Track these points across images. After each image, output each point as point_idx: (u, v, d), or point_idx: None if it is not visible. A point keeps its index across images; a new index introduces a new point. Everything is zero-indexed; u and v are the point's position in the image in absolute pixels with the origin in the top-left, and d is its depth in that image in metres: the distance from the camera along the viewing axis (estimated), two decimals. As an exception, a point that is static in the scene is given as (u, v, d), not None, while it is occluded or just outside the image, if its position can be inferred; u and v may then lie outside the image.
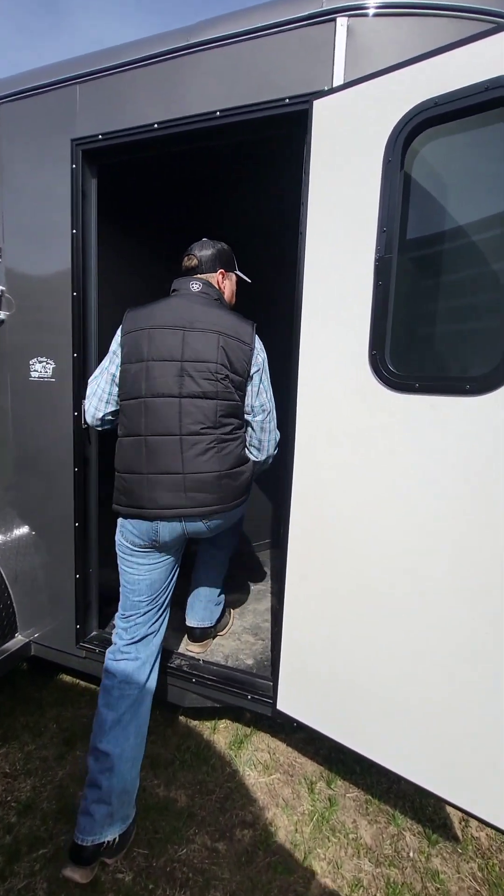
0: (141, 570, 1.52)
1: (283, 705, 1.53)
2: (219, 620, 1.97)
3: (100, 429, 1.61)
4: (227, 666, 1.79)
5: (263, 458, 1.58)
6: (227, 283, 1.63)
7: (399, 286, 1.19)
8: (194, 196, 2.54)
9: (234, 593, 2.38)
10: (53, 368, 1.76)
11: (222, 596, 2.01)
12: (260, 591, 2.48)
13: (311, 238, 1.32)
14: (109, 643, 1.65)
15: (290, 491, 1.42)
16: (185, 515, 1.41)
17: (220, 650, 1.93)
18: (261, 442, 1.55)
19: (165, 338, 1.41)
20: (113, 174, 1.81)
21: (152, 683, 1.55)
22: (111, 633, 1.60)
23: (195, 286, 1.52)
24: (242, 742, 1.95)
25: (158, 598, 1.56)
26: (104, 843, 1.35)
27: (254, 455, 1.57)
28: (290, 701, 1.51)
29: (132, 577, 1.54)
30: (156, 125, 1.50)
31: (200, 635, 1.89)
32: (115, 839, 1.38)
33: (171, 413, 1.39)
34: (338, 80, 1.26)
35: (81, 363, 1.72)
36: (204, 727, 2.04)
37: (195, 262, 1.57)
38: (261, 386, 1.49)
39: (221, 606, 1.98)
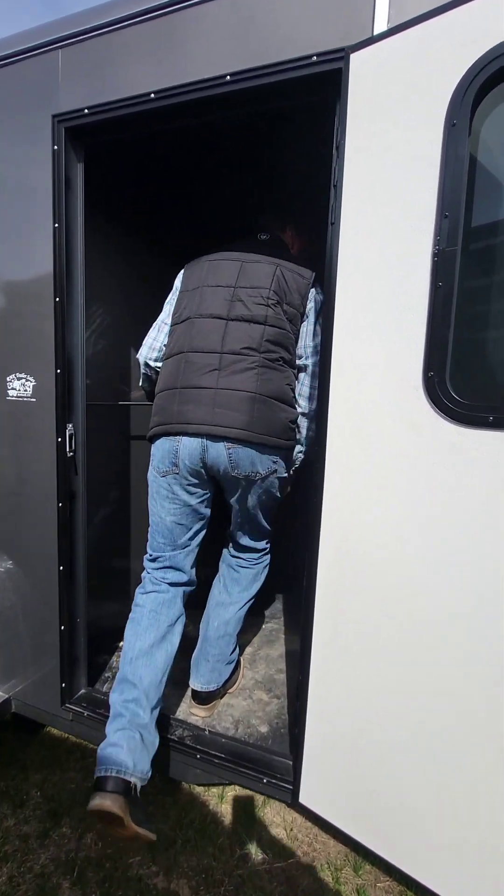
0: (162, 510, 1.49)
1: (307, 798, 1.26)
2: (227, 680, 1.70)
3: (149, 379, 1.67)
4: (237, 739, 1.52)
5: (313, 407, 1.44)
6: (295, 242, 1.65)
7: (465, 288, 0.92)
8: (200, 183, 2.26)
9: (242, 634, 2.11)
10: (34, 386, 1.50)
11: (235, 654, 1.71)
12: (272, 633, 2.20)
13: (346, 229, 1.05)
14: (101, 704, 1.41)
15: (317, 540, 1.15)
16: (208, 434, 1.33)
17: (228, 712, 1.66)
18: (312, 390, 1.44)
19: (222, 267, 1.45)
20: (103, 158, 1.55)
21: (182, 613, 1.53)
22: (103, 693, 1.39)
23: (263, 235, 1.59)
24: (254, 815, 1.67)
25: (184, 544, 1.53)
26: (130, 783, 1.19)
27: (301, 406, 1.45)
28: (317, 793, 1.24)
29: (155, 516, 1.52)
30: (152, 95, 1.23)
31: (206, 698, 1.62)
32: (136, 785, 1.21)
33: (216, 332, 1.38)
34: (380, 27, 0.99)
35: (66, 380, 1.45)
36: (210, 795, 1.77)
37: (263, 222, 1.63)
38: (316, 327, 1.43)
39: (233, 666, 1.70)
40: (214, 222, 2.21)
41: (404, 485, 1.00)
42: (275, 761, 1.41)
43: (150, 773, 1.29)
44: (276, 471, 1.43)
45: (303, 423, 1.48)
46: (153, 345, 1.58)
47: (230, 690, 1.74)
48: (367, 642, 1.10)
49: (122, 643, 2.04)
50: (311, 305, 1.44)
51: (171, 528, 1.49)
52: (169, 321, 1.54)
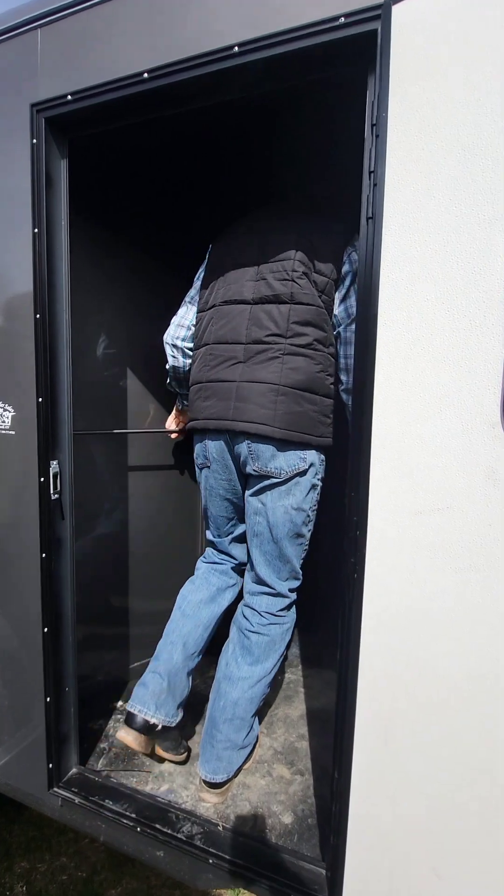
0: (205, 499, 1.50)
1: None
2: (241, 765, 1.41)
3: (178, 362, 1.54)
4: (256, 837, 1.26)
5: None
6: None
7: None
8: (203, 181, 2.07)
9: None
10: (12, 417, 1.29)
11: (251, 737, 1.39)
12: (290, 687, 1.95)
13: (391, 226, 0.84)
14: (95, 788, 1.30)
15: (358, 616, 0.92)
16: (228, 429, 1.28)
17: (244, 795, 1.40)
18: (347, 360, 1.28)
19: (243, 243, 1.35)
20: (91, 153, 1.36)
21: (236, 583, 1.56)
22: (99, 772, 1.33)
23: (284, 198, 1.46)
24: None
25: (227, 531, 1.53)
26: (153, 723, 1.36)
27: (344, 381, 1.31)
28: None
29: (203, 504, 1.52)
30: (146, 74, 1.04)
31: (216, 784, 1.36)
32: (159, 725, 1.37)
33: (241, 320, 1.29)
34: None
35: (49, 410, 1.24)
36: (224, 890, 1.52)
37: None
38: (351, 289, 1.25)
39: (248, 751, 1.42)
40: (221, 224, 2.01)
41: (482, 562, 0.77)
42: (304, 870, 1.15)
43: (176, 716, 1.41)
44: (305, 471, 1.28)
45: (350, 400, 1.29)
46: (181, 322, 1.49)
47: (246, 766, 1.48)
48: (435, 760, 0.86)
49: (120, 703, 1.81)
50: (346, 268, 1.26)
51: (214, 518, 1.51)
52: (197, 298, 1.47)
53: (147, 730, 1.36)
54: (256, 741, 1.53)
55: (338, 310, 1.27)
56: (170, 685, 1.38)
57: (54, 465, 1.27)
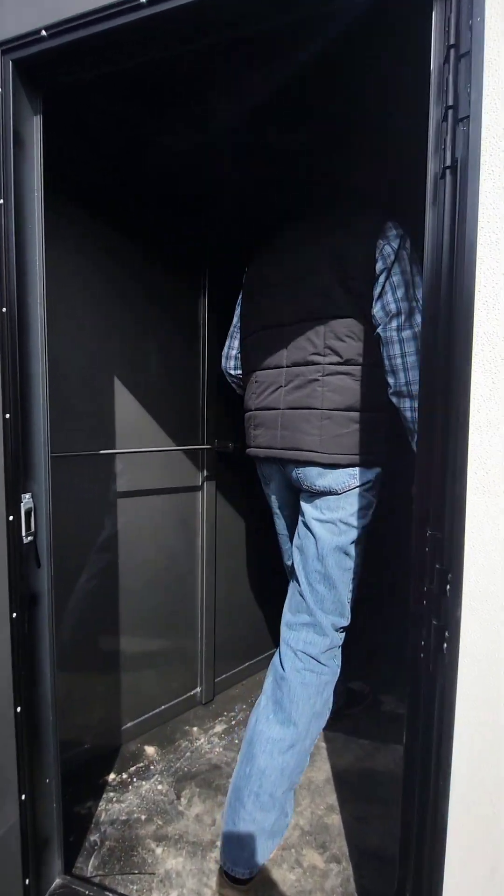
0: (273, 520, 1.52)
1: None
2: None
3: (239, 391, 1.56)
4: None
5: (402, 382, 1.14)
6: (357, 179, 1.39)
7: None
8: (217, 142, 1.83)
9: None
10: (-27, 439, 1.01)
11: (284, 821, 1.17)
12: (310, 739, 1.69)
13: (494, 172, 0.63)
14: None
15: (450, 707, 0.68)
16: (277, 458, 1.30)
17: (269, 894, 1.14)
18: (391, 360, 1.14)
19: (271, 261, 1.33)
20: (73, 107, 1.11)
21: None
22: (90, 881, 1.05)
23: (318, 191, 1.36)
24: None
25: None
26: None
27: (391, 384, 1.17)
28: None
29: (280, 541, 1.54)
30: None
31: (238, 882, 1.10)
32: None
33: (279, 344, 1.28)
34: None
35: (19, 429, 0.97)
36: None
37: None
38: (386, 284, 1.14)
39: (279, 839, 1.17)
40: (238, 201, 1.79)
41: None
42: None
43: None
44: (355, 487, 1.21)
45: (401, 403, 1.16)
46: (227, 353, 1.53)
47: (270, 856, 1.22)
48: None
49: (112, 776, 1.51)
50: (380, 265, 1.15)
51: (281, 540, 1.53)
52: (239, 326, 1.47)
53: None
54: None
55: (375, 309, 1.16)
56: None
57: (27, 500, 1.00)
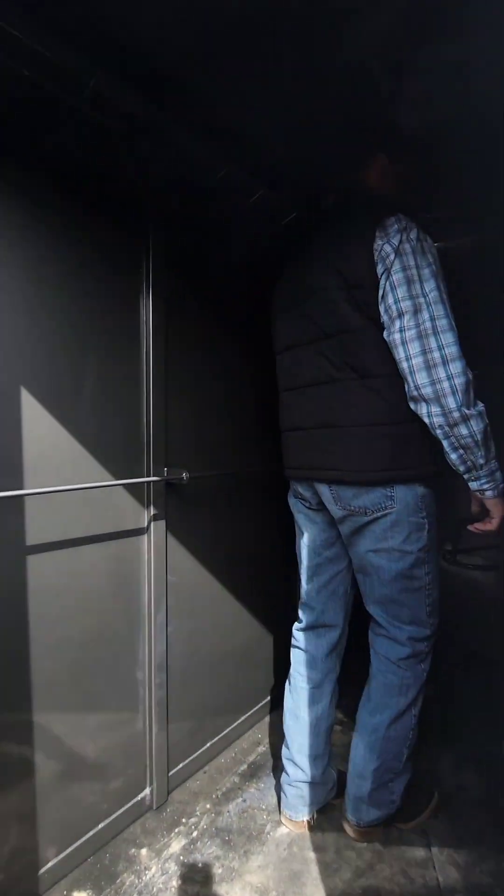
0: (297, 533, 1.49)
1: None
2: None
3: None
4: None
5: (412, 387, 1.08)
6: (389, 176, 1.32)
7: None
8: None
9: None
10: None
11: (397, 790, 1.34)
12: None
13: None
14: None
15: None
16: (308, 478, 1.31)
17: None
18: (400, 365, 1.09)
19: (289, 278, 1.34)
20: None
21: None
22: None
23: (327, 200, 1.39)
24: None
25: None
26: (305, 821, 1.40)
27: (409, 386, 1.09)
28: None
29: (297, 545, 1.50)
30: None
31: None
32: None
33: (298, 363, 1.29)
34: None
35: None
36: None
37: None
38: (387, 285, 1.09)
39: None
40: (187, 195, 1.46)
41: None
42: None
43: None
44: (391, 510, 1.17)
45: (419, 409, 1.10)
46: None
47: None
48: None
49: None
50: (380, 267, 1.10)
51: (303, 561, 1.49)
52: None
53: (305, 824, 1.40)
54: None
55: (381, 314, 1.12)
56: (310, 789, 1.40)
57: None
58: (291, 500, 1.48)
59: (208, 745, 1.66)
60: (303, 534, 1.44)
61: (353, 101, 1.31)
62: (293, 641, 1.49)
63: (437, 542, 1.26)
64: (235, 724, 1.78)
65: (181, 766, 1.56)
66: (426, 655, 1.30)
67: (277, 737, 1.80)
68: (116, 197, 1.29)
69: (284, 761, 1.44)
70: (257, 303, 1.77)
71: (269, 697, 1.96)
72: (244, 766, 1.66)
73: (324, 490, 1.27)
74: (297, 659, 1.46)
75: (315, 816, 1.41)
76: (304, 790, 1.39)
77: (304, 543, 1.44)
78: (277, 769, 1.63)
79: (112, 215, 1.29)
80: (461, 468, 1.10)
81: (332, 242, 1.21)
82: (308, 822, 1.39)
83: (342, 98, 1.30)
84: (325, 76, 1.21)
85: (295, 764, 1.40)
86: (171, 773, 1.52)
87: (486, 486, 1.10)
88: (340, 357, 1.17)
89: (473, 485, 1.12)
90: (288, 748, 1.43)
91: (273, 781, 1.59)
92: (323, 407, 1.22)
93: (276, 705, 1.98)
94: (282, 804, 1.43)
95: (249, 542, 1.82)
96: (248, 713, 1.84)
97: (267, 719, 1.91)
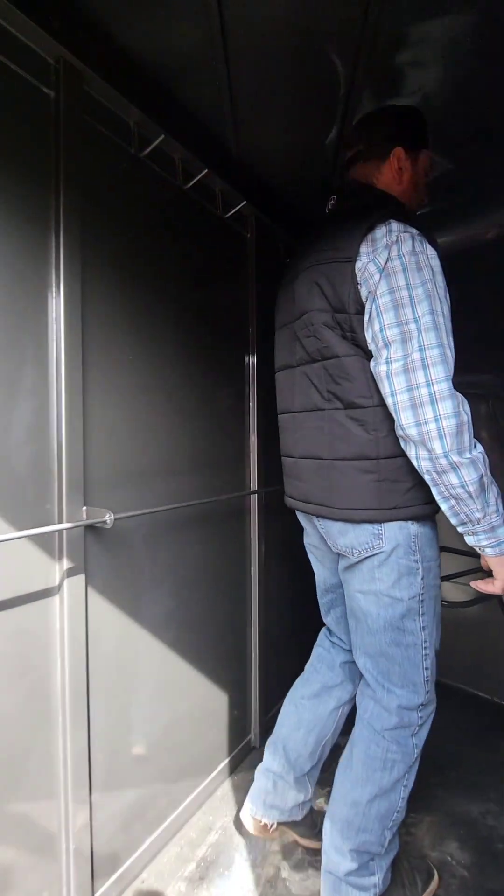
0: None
1: None
2: None
3: None
4: None
5: (399, 426, 0.94)
6: (405, 171, 1.15)
7: None
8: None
9: None
10: None
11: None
12: None
13: None
14: None
15: None
16: (299, 509, 1.25)
17: None
18: (386, 400, 0.96)
19: (284, 295, 1.23)
20: None
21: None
22: None
23: (330, 202, 1.21)
24: None
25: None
26: (263, 823, 1.33)
27: (400, 426, 0.95)
28: None
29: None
30: None
31: None
32: (271, 826, 1.34)
33: (290, 387, 1.21)
34: None
35: None
36: None
37: (352, 147, 1.19)
38: (373, 310, 0.96)
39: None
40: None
41: None
42: None
43: (293, 815, 1.33)
44: (385, 550, 1.05)
45: (407, 449, 0.97)
46: None
47: None
48: None
49: None
50: (364, 290, 0.98)
51: (317, 587, 1.41)
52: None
53: (261, 828, 1.32)
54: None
55: (366, 340, 1.00)
56: (275, 787, 1.31)
57: None
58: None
59: (146, 844, 1.34)
60: (313, 567, 1.39)
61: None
62: (318, 640, 1.47)
63: (434, 590, 1.11)
64: (181, 807, 1.46)
65: (111, 881, 1.23)
66: (419, 728, 1.13)
67: (233, 812, 1.52)
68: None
69: (266, 747, 1.38)
70: (207, 304, 1.49)
71: (226, 760, 1.67)
72: (191, 867, 1.35)
73: (315, 523, 1.21)
74: (317, 655, 1.43)
75: (276, 827, 1.33)
76: (273, 785, 1.31)
77: (316, 578, 1.39)
78: (234, 864, 1.34)
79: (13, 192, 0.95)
80: (454, 520, 0.97)
81: (319, 255, 1.08)
82: (266, 827, 1.31)
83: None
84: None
85: (275, 751, 1.34)
86: (99, 893, 1.19)
87: (484, 544, 0.96)
88: (325, 385, 1.08)
89: (470, 540, 0.98)
90: (275, 735, 1.37)
91: (229, 882, 1.29)
92: (309, 437, 1.14)
93: (236, 766, 1.70)
94: (248, 794, 1.37)
95: (202, 587, 1.52)
96: (199, 788, 1.54)
97: (219, 792, 1.61)
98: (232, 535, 1.69)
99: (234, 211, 1.62)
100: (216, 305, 1.61)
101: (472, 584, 1.04)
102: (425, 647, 1.09)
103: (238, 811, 1.51)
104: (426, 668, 1.09)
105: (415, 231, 0.97)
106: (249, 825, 1.33)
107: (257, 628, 1.78)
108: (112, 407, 1.21)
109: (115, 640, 1.23)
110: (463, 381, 2.02)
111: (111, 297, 1.20)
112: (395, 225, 0.96)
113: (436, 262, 0.96)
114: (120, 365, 1.23)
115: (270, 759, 1.35)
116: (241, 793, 1.58)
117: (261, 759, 1.40)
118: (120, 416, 1.23)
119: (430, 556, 1.09)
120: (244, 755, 1.76)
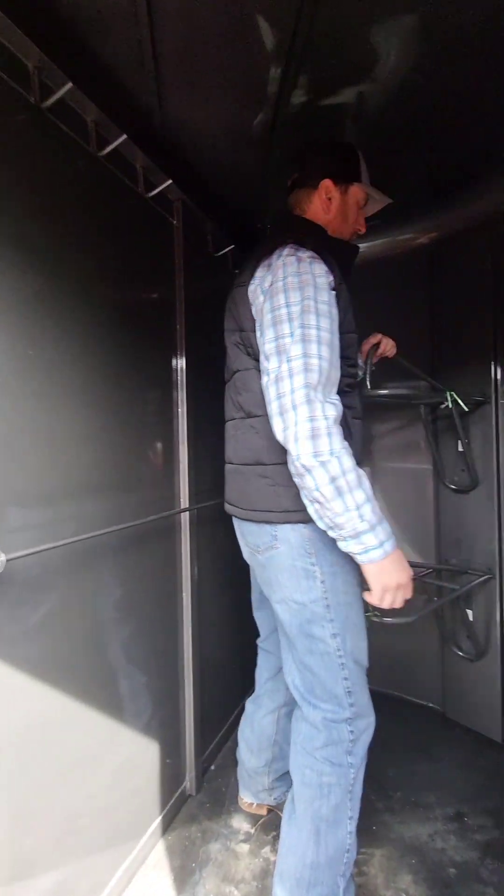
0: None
1: None
2: None
3: None
4: None
5: (283, 427, 0.97)
6: (333, 201, 1.24)
7: None
8: None
9: None
10: None
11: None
12: None
13: None
14: None
15: None
16: (227, 511, 1.31)
17: None
18: (270, 415, 1.01)
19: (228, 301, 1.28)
20: None
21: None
22: None
23: (270, 224, 1.46)
24: None
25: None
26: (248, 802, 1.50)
27: (277, 435, 1.00)
28: None
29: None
30: None
31: None
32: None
33: (225, 398, 1.30)
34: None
35: None
36: None
37: (291, 174, 1.30)
38: (260, 326, 1.07)
39: None
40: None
41: None
42: None
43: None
44: (275, 550, 1.12)
45: (289, 457, 0.98)
46: None
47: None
48: None
49: None
50: (254, 309, 1.10)
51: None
52: None
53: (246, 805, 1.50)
54: None
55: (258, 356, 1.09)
56: (249, 776, 1.48)
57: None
58: None
59: None
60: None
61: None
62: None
63: (344, 597, 1.09)
64: (107, 889, 1.23)
65: None
66: (352, 745, 1.09)
67: (169, 880, 1.31)
68: None
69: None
70: (127, 297, 1.29)
71: (158, 819, 1.45)
72: None
73: (235, 524, 1.29)
74: (258, 665, 1.53)
75: (255, 805, 1.49)
76: (244, 770, 1.49)
77: (252, 590, 1.48)
78: None
79: None
80: (321, 525, 0.98)
81: (236, 279, 1.20)
82: (250, 805, 1.49)
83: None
84: None
85: (242, 742, 1.49)
86: None
87: (352, 550, 0.96)
88: (235, 396, 1.20)
89: (342, 546, 0.98)
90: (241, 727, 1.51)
91: None
92: (230, 443, 1.26)
93: (170, 822, 1.49)
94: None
95: (125, 625, 1.30)
96: (129, 858, 1.31)
97: (151, 859, 1.39)
98: (160, 560, 1.49)
99: (157, 191, 1.43)
100: (138, 299, 1.41)
101: (364, 593, 1.04)
102: (340, 657, 1.09)
103: (175, 877, 1.31)
104: (345, 679, 1.09)
105: (308, 253, 1.02)
106: (244, 807, 1.51)
107: (191, 659, 1.59)
108: (2, 413, 0.96)
109: (16, 710, 0.97)
110: (400, 386, 2.05)
111: (0, 278, 0.96)
112: (286, 249, 1.03)
113: (322, 281, 1.01)
114: (16, 361, 0.98)
115: (239, 749, 1.50)
116: (176, 856, 1.38)
117: (198, 806, 1.51)
118: (17, 426, 0.99)
119: (333, 561, 1.08)
120: (179, 806, 1.56)
